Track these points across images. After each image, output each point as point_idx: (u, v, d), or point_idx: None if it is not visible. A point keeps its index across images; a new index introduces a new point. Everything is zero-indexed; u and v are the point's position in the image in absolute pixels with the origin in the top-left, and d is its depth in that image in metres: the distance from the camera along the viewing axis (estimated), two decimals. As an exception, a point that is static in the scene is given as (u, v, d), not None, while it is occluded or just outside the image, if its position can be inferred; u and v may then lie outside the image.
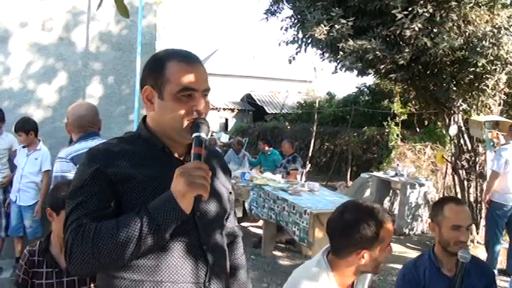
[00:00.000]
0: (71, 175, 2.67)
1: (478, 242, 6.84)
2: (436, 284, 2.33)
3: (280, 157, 9.15)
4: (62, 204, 2.19)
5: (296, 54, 7.57)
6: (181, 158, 1.58)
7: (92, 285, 2.27)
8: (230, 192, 1.78)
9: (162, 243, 1.41)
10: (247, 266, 1.98)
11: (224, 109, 27.12)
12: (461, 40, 6.03)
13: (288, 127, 19.02)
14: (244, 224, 7.71)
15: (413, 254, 6.00)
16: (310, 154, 14.17)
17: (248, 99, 27.32)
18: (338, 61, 6.75)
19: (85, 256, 1.33)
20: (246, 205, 6.95)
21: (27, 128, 4.87)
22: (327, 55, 7.16)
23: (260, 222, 6.82)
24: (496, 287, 2.41)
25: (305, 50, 7.40)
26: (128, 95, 5.58)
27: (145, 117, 1.63)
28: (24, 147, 5.03)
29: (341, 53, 6.35)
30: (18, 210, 5.06)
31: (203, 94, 1.51)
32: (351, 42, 6.13)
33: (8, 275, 5.00)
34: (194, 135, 1.44)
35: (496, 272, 5.49)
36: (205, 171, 1.35)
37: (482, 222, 6.60)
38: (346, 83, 44.94)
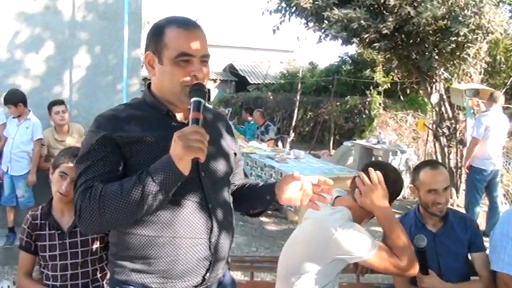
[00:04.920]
0: None
1: (458, 206, 7.06)
2: None
3: (255, 127, 9.18)
4: (55, 165, 2.32)
5: (280, 23, 7.60)
6: (186, 121, 1.61)
7: (95, 246, 2.36)
8: (235, 154, 1.85)
9: (165, 202, 1.48)
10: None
11: (206, 79, 26.81)
12: (444, 9, 6.11)
13: (271, 97, 19.00)
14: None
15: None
16: (293, 123, 14.29)
17: (230, 69, 27.13)
18: (323, 30, 6.80)
19: (92, 216, 1.43)
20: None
21: (14, 100, 4.89)
22: (311, 24, 7.19)
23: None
24: (482, 237, 2.55)
25: (289, 19, 7.42)
26: (115, 64, 5.56)
27: (150, 83, 1.69)
28: (14, 117, 5.05)
29: (326, 22, 6.39)
30: (10, 180, 5.07)
31: (201, 60, 1.56)
32: (335, 11, 6.18)
33: (1, 244, 5.06)
34: (192, 100, 1.49)
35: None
36: (202, 135, 1.40)
37: (462, 187, 6.81)
38: (328, 53, 44.77)
